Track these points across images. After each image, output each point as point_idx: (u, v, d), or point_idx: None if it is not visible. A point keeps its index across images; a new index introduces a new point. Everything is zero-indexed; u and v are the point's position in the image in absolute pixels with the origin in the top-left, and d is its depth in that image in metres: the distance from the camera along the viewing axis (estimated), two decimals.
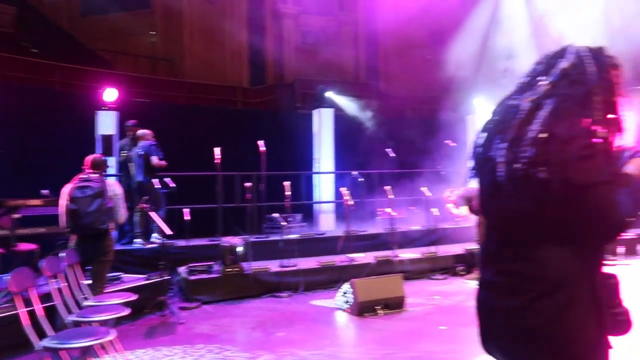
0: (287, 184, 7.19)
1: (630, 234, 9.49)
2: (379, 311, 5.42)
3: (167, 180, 7.41)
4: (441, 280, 7.33)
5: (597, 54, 1.52)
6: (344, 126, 11.02)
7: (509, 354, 1.53)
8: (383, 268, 7.06)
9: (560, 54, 1.55)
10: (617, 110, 1.49)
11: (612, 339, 1.50)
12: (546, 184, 1.39)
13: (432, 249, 7.86)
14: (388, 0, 12.06)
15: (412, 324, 5.14)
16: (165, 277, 5.97)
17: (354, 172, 9.45)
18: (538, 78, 1.54)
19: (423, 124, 10.95)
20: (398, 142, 10.29)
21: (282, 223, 7.57)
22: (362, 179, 9.34)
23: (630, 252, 8.85)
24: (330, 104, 11.04)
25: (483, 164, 1.57)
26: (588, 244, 1.44)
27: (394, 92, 13.00)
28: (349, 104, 11.91)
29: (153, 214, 6.07)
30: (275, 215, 8.08)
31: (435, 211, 8.17)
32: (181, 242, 7.15)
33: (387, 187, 8.04)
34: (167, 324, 5.31)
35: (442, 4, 10.56)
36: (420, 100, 12.29)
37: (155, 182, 7.17)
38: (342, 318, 5.51)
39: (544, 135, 1.40)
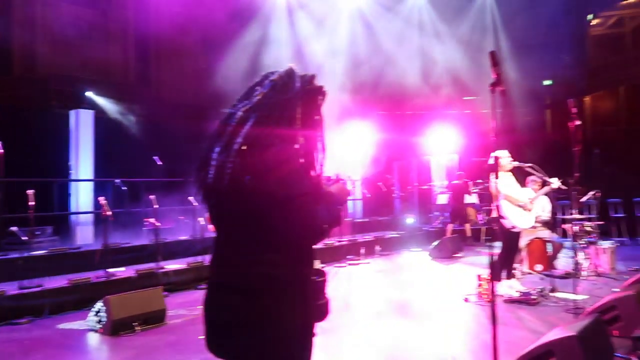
0: (30, 192, 6.25)
1: (368, 237, 11.16)
2: (136, 327, 5.13)
3: None
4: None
5: (306, 77, 1.73)
6: (106, 130, 10.20)
7: (230, 352, 1.61)
8: (145, 281, 6.72)
9: (276, 71, 1.72)
10: (318, 130, 1.71)
11: (316, 325, 1.73)
12: (252, 191, 1.51)
13: (199, 258, 7.83)
14: (160, 3, 11.65)
15: (171, 337, 5.01)
16: None
17: (117, 180, 8.80)
18: (256, 88, 1.68)
19: (192, 132, 10.89)
20: (167, 150, 9.99)
21: (23, 238, 6.54)
22: (126, 188, 8.76)
23: (370, 252, 10.39)
24: (91, 105, 10.07)
25: (202, 168, 1.62)
26: (295, 248, 1.63)
27: (164, 98, 12.58)
28: (113, 107, 11.07)
29: None
30: (14, 228, 6.93)
31: (202, 220, 8.17)
32: None
33: (152, 197, 7.71)
34: None
35: (211, 16, 10.72)
36: (191, 108, 12.20)
37: None
38: (94, 340, 5.03)
39: (244, 147, 1.53)
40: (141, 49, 13.80)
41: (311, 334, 1.70)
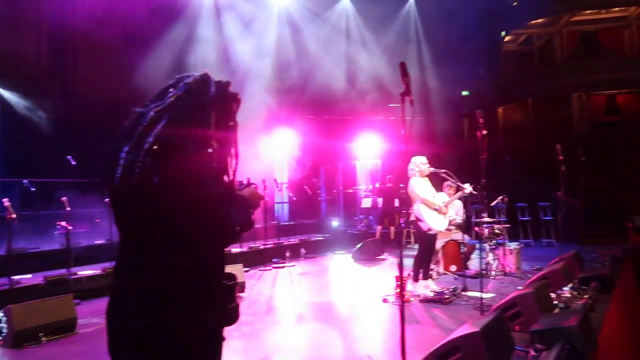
0: None
1: (294, 240, 11.21)
2: (42, 338, 4.80)
3: None
4: None
5: (221, 83, 1.72)
6: (13, 126, 9.47)
7: None
8: (55, 289, 6.30)
9: (192, 75, 1.70)
10: (231, 136, 1.71)
11: (226, 330, 1.73)
12: (161, 192, 1.48)
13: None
14: None
15: (81, 347, 4.75)
16: None
17: (25, 181, 8.20)
18: (169, 90, 1.65)
19: (111, 131, 10.40)
20: (83, 149, 9.44)
21: None
22: (34, 189, 8.19)
23: (295, 255, 10.44)
24: None
25: (109, 168, 1.56)
26: (206, 250, 1.62)
27: (80, 94, 11.87)
28: (21, 102, 10.29)
29: None
30: None
31: None
32: None
33: (64, 198, 7.26)
34: None
35: (134, 10, 10.30)
36: (110, 105, 11.63)
37: None
38: None
39: (155, 147, 1.49)
40: (56, 41, 12.95)
41: (220, 339, 1.69)
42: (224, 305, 1.70)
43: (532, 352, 3.83)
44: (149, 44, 11.08)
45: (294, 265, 9.70)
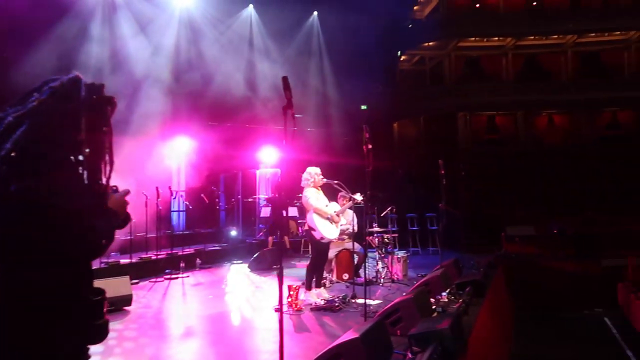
0: None
1: (189, 250, 10.88)
2: None
3: None
4: None
5: (94, 86, 1.66)
6: None
7: None
8: None
9: (60, 78, 1.62)
10: (105, 141, 1.66)
11: (92, 347, 1.65)
12: (19, 201, 1.41)
13: None
14: None
15: None
16: None
17: None
18: (33, 94, 1.57)
19: None
20: None
21: None
22: None
23: (190, 266, 10.12)
24: None
25: None
26: (68, 265, 1.53)
27: None
28: None
29: None
30: None
31: None
32: None
33: None
34: None
35: (14, 4, 9.42)
36: None
37: None
38: None
39: (14, 153, 1.42)
40: None
41: (86, 356, 1.61)
42: (88, 322, 1.61)
43: (409, 355, 4.07)
44: (32, 38, 10.19)
45: (188, 276, 9.41)
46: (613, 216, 13.74)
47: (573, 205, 14.57)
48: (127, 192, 1.79)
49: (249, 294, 7.92)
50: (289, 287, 6.35)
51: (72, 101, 1.58)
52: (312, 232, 6.36)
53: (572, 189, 16.30)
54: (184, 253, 10.49)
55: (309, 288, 6.57)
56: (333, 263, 8.18)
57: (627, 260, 9.75)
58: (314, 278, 6.61)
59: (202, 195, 11.87)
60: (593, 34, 22.03)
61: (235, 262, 11.31)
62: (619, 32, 21.91)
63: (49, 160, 1.47)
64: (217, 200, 13.00)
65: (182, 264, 9.82)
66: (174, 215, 12.81)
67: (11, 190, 1.39)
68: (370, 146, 4.70)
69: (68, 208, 1.46)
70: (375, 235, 8.46)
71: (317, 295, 6.56)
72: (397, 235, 10.82)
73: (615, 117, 22.46)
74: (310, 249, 6.75)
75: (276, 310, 6.31)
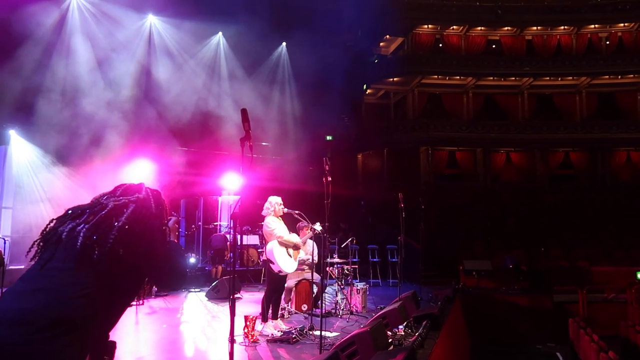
0: None
1: None
2: None
3: None
4: None
5: (157, 193, 2.25)
6: None
7: None
8: None
9: (138, 188, 2.21)
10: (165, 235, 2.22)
11: None
12: (125, 258, 1.91)
13: None
14: None
15: None
16: None
17: None
18: (120, 196, 2.13)
19: None
20: None
21: None
22: None
23: (146, 294, 9.79)
24: None
25: (52, 235, 1.95)
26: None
27: None
28: None
29: None
30: None
31: None
32: None
33: None
34: None
35: None
36: None
37: None
38: None
39: (127, 226, 1.96)
40: None
41: None
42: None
43: None
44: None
45: (142, 304, 9.09)
46: (564, 251, 14.24)
47: (528, 240, 15.02)
48: (177, 220, 2.53)
49: (204, 323, 7.72)
50: (246, 318, 6.23)
51: (149, 204, 2.15)
52: (270, 264, 6.31)
53: (526, 224, 16.85)
54: None
55: (264, 320, 6.47)
56: (292, 293, 8.10)
57: (577, 296, 10.09)
58: (270, 309, 6.52)
59: None
60: (547, 78, 23.26)
61: (193, 290, 11.02)
62: (571, 78, 23.23)
63: (149, 227, 2.06)
64: (177, 226, 12.74)
65: None
66: None
67: (120, 252, 1.90)
68: (329, 178, 4.75)
69: (168, 254, 2.12)
70: (335, 266, 8.46)
71: (274, 327, 6.46)
72: (357, 266, 10.85)
73: (568, 156, 23.56)
74: (266, 279, 6.68)
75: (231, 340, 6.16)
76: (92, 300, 1.81)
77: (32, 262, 1.93)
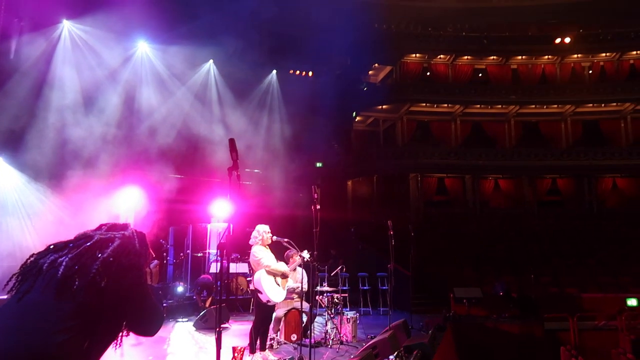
0: None
1: None
2: None
3: None
4: None
5: (141, 235, 2.24)
6: None
7: None
8: None
9: (123, 226, 2.22)
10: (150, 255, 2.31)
11: None
12: (106, 291, 1.90)
13: None
14: None
15: None
16: None
17: None
18: (107, 232, 2.14)
19: None
20: None
21: None
22: None
23: None
24: None
25: (32, 268, 1.93)
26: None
27: None
28: None
29: None
30: None
31: None
32: None
33: None
34: None
35: None
36: None
37: None
38: None
39: (111, 259, 1.97)
40: None
41: None
42: None
43: None
44: None
45: (127, 335, 8.87)
46: (553, 278, 14.26)
47: (517, 266, 15.03)
48: (157, 264, 2.50)
49: (191, 355, 7.55)
50: (234, 349, 6.12)
51: (134, 251, 2.12)
52: (259, 294, 6.23)
53: (516, 251, 16.89)
54: None
55: (252, 351, 6.36)
56: (281, 323, 7.98)
57: (568, 324, 10.06)
58: (258, 340, 6.41)
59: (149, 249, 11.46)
60: (533, 106, 23.72)
61: (180, 319, 10.81)
62: (556, 106, 23.70)
63: (131, 262, 2.04)
64: (165, 254, 12.59)
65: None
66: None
67: (102, 284, 1.88)
68: (318, 206, 4.75)
69: (144, 293, 2.10)
70: (325, 294, 8.38)
71: (263, 358, 6.34)
72: (347, 294, 10.75)
73: (555, 183, 23.82)
74: (254, 309, 6.58)
75: None
76: (73, 336, 1.77)
77: (9, 295, 1.87)
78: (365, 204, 23.06)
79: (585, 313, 10.93)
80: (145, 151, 12.40)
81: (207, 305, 11.05)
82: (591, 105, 23.54)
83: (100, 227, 2.20)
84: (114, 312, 1.96)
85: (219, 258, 13.03)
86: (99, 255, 1.94)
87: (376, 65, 24.55)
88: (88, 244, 1.99)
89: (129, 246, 2.09)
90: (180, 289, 12.58)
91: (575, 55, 24.06)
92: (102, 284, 1.86)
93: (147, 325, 2.17)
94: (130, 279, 1.99)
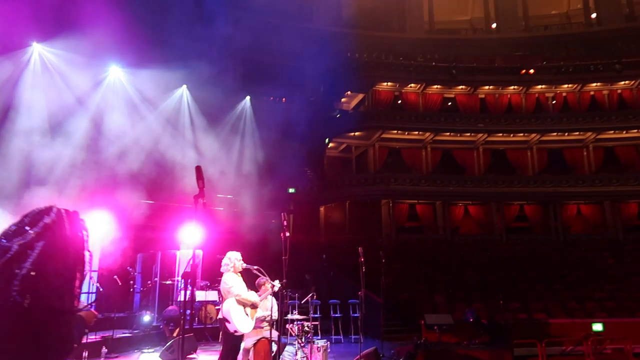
0: None
1: (94, 337, 10.01)
2: None
3: None
4: None
5: (73, 216, 2.04)
6: None
7: None
8: None
9: (46, 211, 1.97)
10: (84, 261, 2.05)
11: None
12: (28, 310, 1.72)
13: None
14: None
15: None
16: None
17: None
18: (26, 227, 1.90)
19: None
20: None
21: None
22: None
23: (94, 355, 9.25)
24: None
25: None
26: None
27: None
28: None
29: None
30: None
31: None
32: None
33: None
34: None
35: None
36: None
37: None
38: None
39: (34, 273, 1.77)
40: None
41: None
42: None
43: None
44: None
45: None
46: (522, 304, 14.46)
47: (487, 292, 15.21)
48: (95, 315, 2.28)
49: None
50: None
51: (62, 234, 1.93)
52: (226, 323, 6.12)
53: (485, 276, 17.10)
54: (88, 341, 9.59)
55: None
56: (251, 353, 7.82)
57: (537, 349, 10.17)
58: None
59: (115, 277, 11.16)
60: (500, 134, 24.42)
61: (146, 350, 10.48)
62: (522, 134, 24.47)
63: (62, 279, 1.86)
64: (132, 282, 12.25)
65: (85, 354, 8.95)
66: (82, 298, 11.84)
67: (24, 302, 1.71)
68: (288, 233, 4.75)
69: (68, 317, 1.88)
70: (295, 323, 8.27)
71: None
72: (318, 322, 10.64)
73: (523, 209, 24.38)
74: (222, 339, 6.44)
75: None
76: None
77: None
78: (337, 229, 23.07)
79: (553, 338, 11.08)
80: (114, 176, 12.20)
81: (175, 335, 10.75)
82: (555, 134, 24.39)
83: (22, 221, 1.93)
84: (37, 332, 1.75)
85: (184, 287, 12.76)
86: (17, 271, 1.75)
87: (349, 92, 24.98)
88: (3, 259, 1.78)
89: (54, 245, 1.87)
90: (147, 318, 12.22)
91: (540, 86, 25.01)
92: (26, 304, 1.70)
93: (62, 343, 1.88)
94: (59, 297, 1.81)
